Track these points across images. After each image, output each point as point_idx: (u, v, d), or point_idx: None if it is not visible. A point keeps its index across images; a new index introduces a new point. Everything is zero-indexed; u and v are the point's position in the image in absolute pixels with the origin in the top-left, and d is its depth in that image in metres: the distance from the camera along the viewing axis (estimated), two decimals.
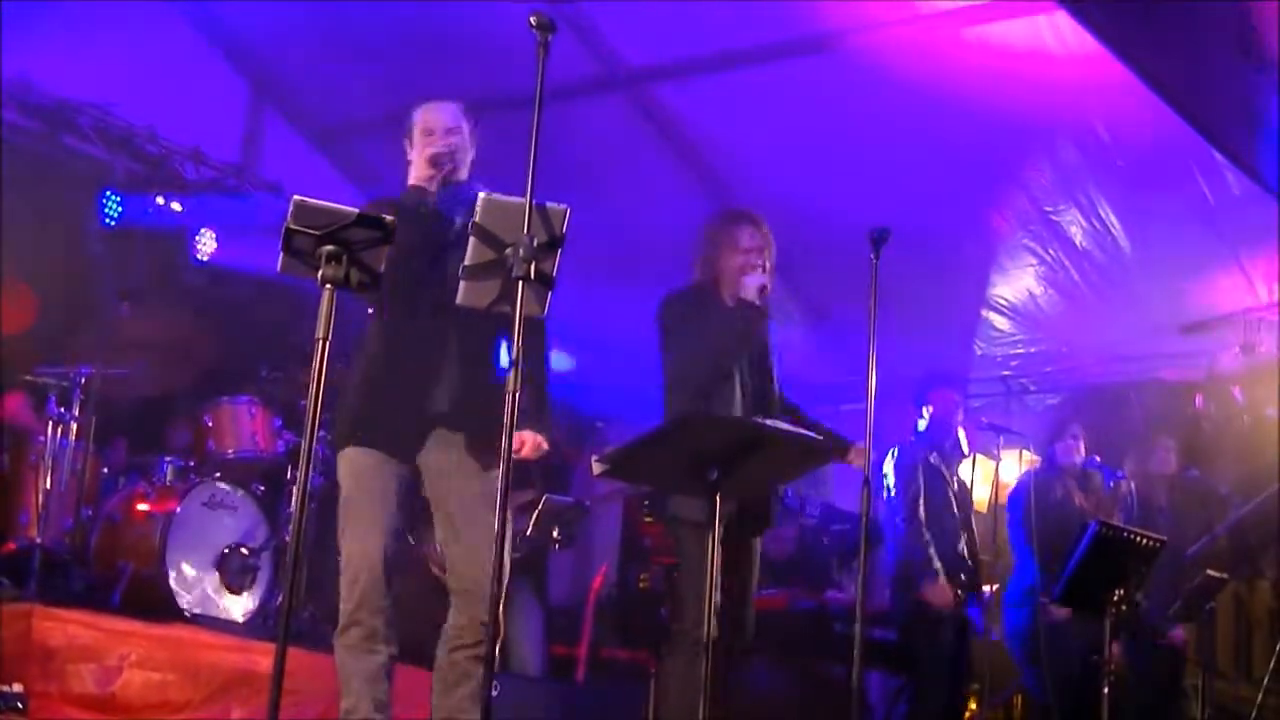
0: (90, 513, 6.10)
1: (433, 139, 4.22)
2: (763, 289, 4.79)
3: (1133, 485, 6.68)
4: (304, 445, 3.32)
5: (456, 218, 4.14)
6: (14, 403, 6.20)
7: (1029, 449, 7.01)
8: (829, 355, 7.60)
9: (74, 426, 6.03)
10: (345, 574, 4.09)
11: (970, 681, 6.75)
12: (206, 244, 7.29)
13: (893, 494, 6.35)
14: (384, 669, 4.08)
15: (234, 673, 5.00)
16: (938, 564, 6.18)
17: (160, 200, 7.16)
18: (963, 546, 6.36)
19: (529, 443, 4.13)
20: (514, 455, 4.04)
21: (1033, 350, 8.21)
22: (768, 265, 4.89)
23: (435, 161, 4.16)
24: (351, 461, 4.16)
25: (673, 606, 4.66)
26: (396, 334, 4.17)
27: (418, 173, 4.21)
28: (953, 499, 6.39)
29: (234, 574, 5.97)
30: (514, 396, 3.36)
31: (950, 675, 6.33)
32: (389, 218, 3.41)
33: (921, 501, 6.27)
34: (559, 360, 8.72)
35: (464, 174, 4.28)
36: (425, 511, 4.23)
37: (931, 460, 6.39)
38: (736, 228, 4.94)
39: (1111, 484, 6.76)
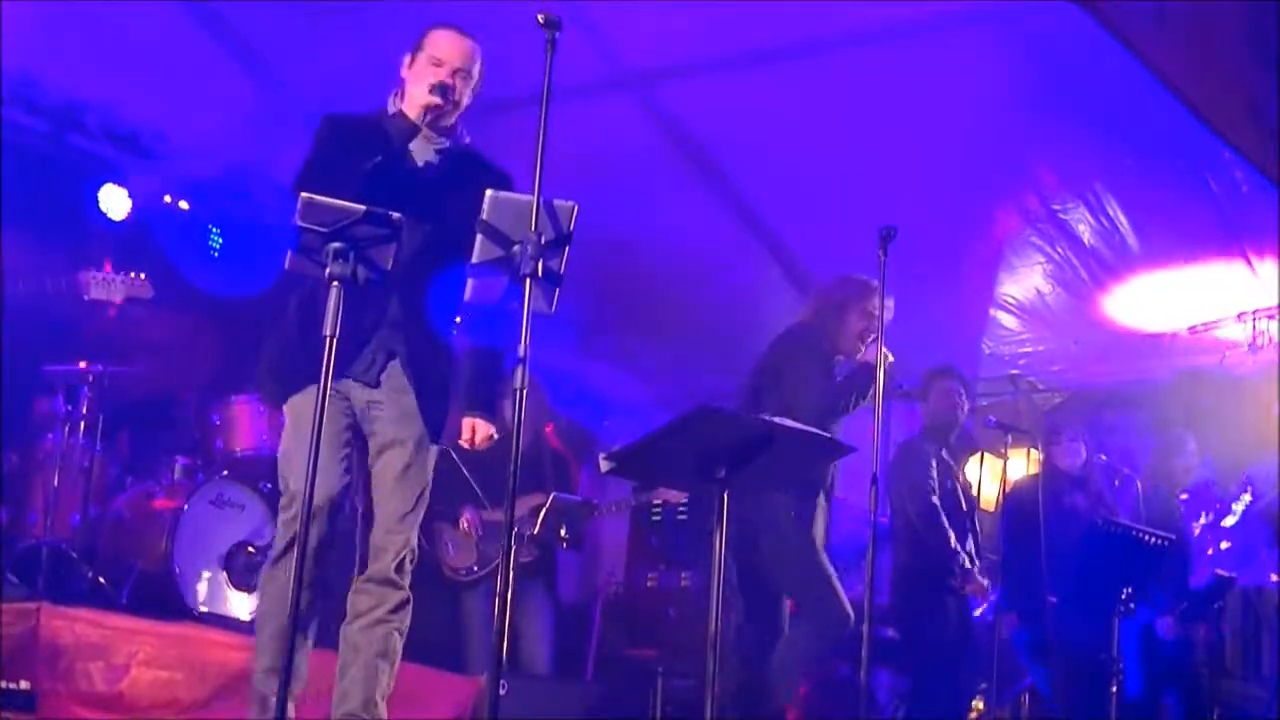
0: (98, 511, 6.11)
1: (439, 70, 3.88)
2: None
3: (1140, 483, 6.66)
4: (311, 442, 3.32)
5: (435, 163, 3.95)
6: None
7: (1036, 447, 7.00)
8: None
9: (82, 425, 6.03)
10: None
11: (977, 681, 6.74)
12: (214, 241, 7.30)
13: (902, 491, 6.31)
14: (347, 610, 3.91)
15: (242, 671, 4.97)
16: (963, 557, 6.17)
17: (168, 199, 7.16)
18: (970, 545, 6.35)
19: (480, 432, 3.98)
20: (465, 444, 3.99)
21: (1041, 349, 8.19)
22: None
23: (436, 93, 3.83)
24: (292, 407, 3.85)
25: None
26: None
27: (412, 101, 3.88)
28: (960, 497, 6.38)
29: (241, 572, 5.98)
30: (521, 394, 3.35)
31: (956, 675, 6.32)
32: (396, 215, 3.40)
33: (936, 498, 6.25)
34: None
35: (451, 120, 3.96)
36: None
37: (944, 455, 6.38)
38: (874, 296, 5.16)
39: (1116, 482, 6.74)
